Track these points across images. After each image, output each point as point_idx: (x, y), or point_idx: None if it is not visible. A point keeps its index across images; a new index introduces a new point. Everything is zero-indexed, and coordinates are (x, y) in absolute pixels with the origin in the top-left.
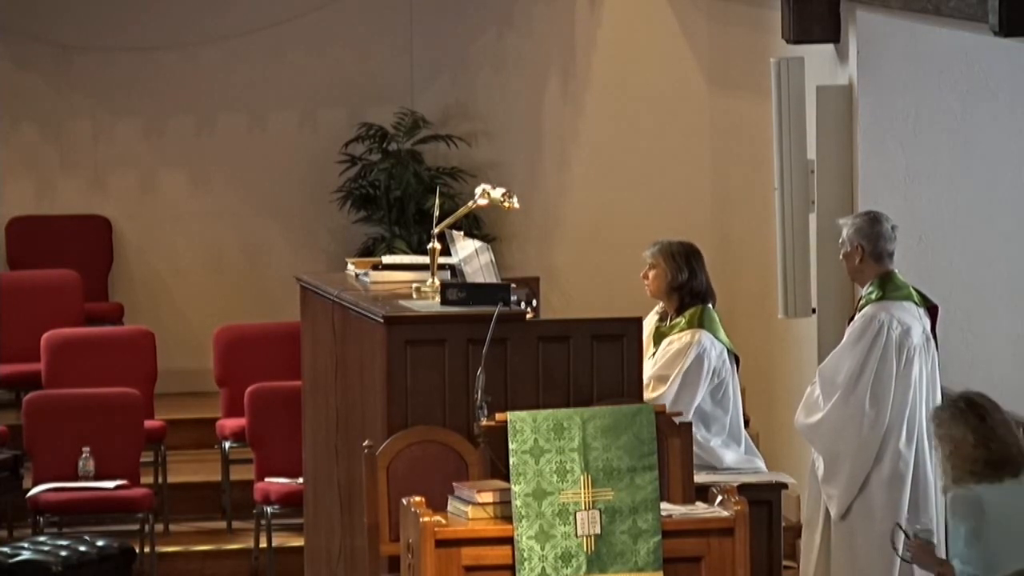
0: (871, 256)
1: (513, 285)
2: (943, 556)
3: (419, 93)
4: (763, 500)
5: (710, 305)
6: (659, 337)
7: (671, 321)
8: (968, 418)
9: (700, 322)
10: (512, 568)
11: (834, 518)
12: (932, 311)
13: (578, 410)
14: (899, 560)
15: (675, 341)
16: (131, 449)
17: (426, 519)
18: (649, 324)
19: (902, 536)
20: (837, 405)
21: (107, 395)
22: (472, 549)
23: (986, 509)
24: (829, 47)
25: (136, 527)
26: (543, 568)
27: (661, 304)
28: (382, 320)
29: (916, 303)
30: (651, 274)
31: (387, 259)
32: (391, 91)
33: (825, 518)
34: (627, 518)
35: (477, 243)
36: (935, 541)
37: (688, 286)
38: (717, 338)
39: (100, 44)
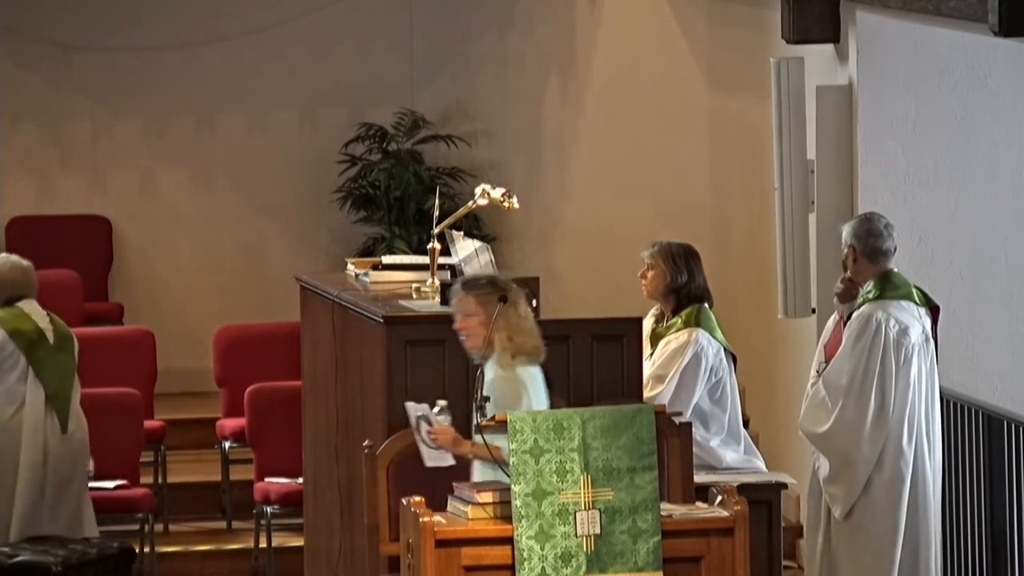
0: (864, 255)
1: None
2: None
3: (419, 93)
4: (763, 500)
5: (706, 305)
6: (656, 338)
7: (667, 322)
8: (522, 296)
9: (697, 321)
10: (512, 568)
11: (838, 518)
12: (934, 311)
13: (578, 410)
14: (899, 558)
15: (672, 341)
16: (131, 449)
17: (426, 519)
18: (646, 326)
19: (424, 425)
20: (844, 409)
21: (107, 395)
22: (472, 549)
23: (530, 387)
24: (829, 47)
25: (136, 527)
26: (543, 568)
27: (657, 306)
28: (382, 320)
29: (916, 302)
30: (649, 274)
31: (387, 259)
32: (391, 91)
33: (827, 519)
34: (627, 518)
35: (477, 243)
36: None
37: (686, 288)
38: (714, 337)
39: (100, 44)
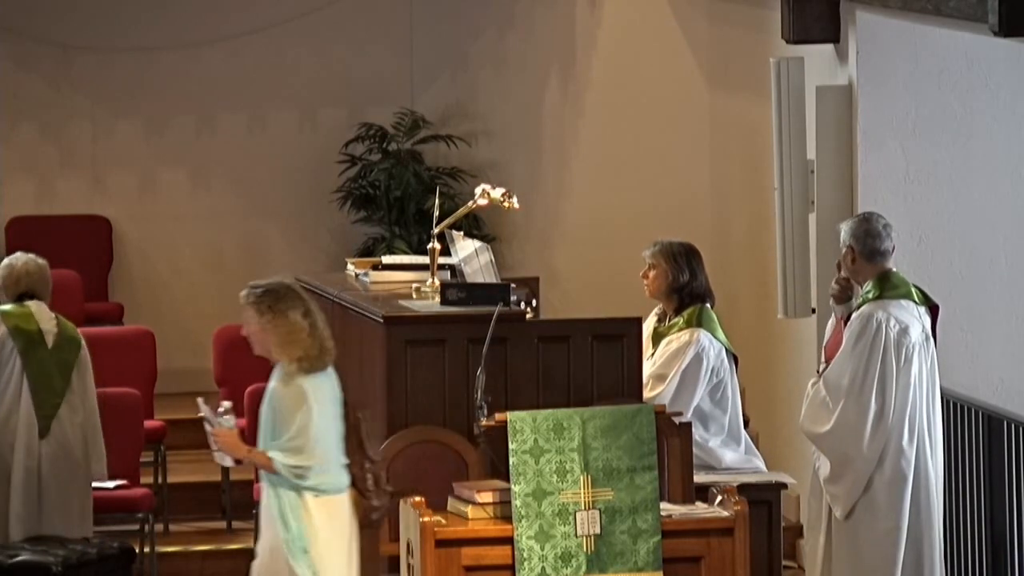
0: (862, 256)
1: (513, 285)
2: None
3: (419, 93)
4: (763, 500)
5: (708, 305)
6: (657, 338)
7: (669, 321)
8: (301, 303)
9: (699, 321)
10: (512, 568)
11: (839, 518)
12: (933, 310)
13: (578, 410)
14: (901, 558)
15: (674, 340)
16: (131, 449)
17: (426, 519)
18: (648, 326)
19: (207, 427)
20: (845, 410)
21: (107, 395)
22: (472, 549)
23: (311, 398)
24: (829, 47)
25: (136, 527)
26: (543, 568)
27: (660, 306)
28: (382, 320)
29: (916, 302)
30: (651, 274)
31: (387, 259)
32: (391, 91)
33: (828, 519)
34: (627, 518)
35: (477, 243)
36: (235, 427)
37: (688, 287)
38: (715, 337)
39: (100, 44)
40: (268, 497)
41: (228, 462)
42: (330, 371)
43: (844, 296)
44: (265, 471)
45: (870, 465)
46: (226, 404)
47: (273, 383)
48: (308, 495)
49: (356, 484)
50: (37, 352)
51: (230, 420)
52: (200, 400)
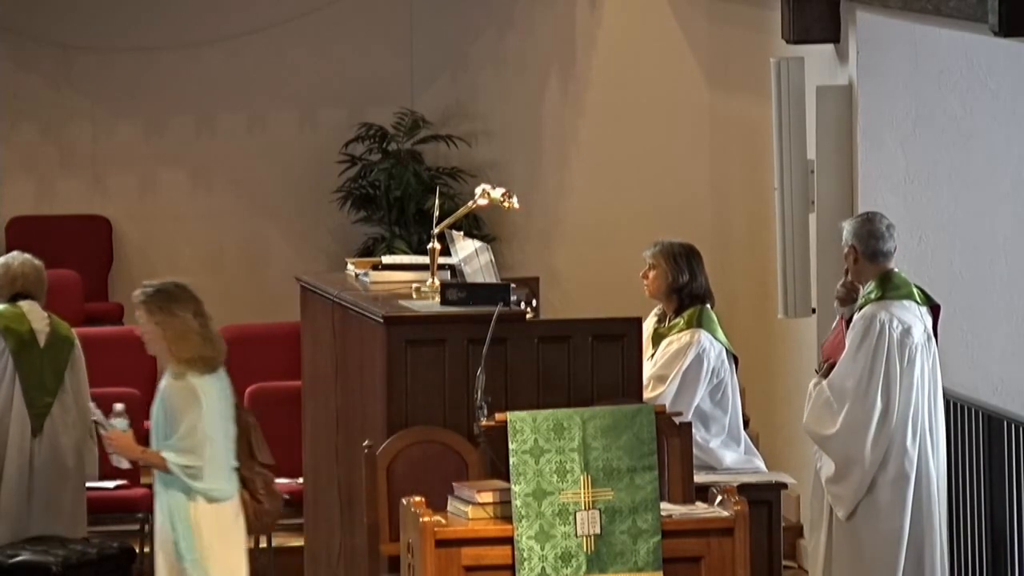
0: (864, 256)
1: (513, 285)
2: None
3: (419, 93)
4: (763, 500)
5: (708, 305)
6: (658, 338)
7: (670, 322)
8: (193, 304)
9: (699, 322)
10: (512, 568)
11: (841, 518)
12: (934, 310)
13: (578, 410)
14: (903, 558)
15: (674, 341)
16: None
17: (426, 519)
18: (648, 326)
19: (100, 430)
20: (851, 412)
21: (107, 395)
22: (472, 549)
23: (202, 398)
24: (829, 47)
25: (136, 527)
26: (543, 568)
27: (660, 307)
28: (382, 320)
29: (918, 302)
30: (651, 274)
31: (387, 259)
32: (391, 91)
33: (829, 519)
34: (627, 518)
35: (477, 243)
36: (128, 429)
37: (688, 288)
38: (716, 338)
39: (100, 44)
40: (160, 498)
41: (124, 464)
42: (221, 373)
43: (849, 298)
44: (159, 471)
45: (874, 466)
46: (118, 407)
47: (164, 383)
48: (200, 498)
49: (247, 487)
50: (29, 352)
51: (123, 423)
52: (92, 404)
